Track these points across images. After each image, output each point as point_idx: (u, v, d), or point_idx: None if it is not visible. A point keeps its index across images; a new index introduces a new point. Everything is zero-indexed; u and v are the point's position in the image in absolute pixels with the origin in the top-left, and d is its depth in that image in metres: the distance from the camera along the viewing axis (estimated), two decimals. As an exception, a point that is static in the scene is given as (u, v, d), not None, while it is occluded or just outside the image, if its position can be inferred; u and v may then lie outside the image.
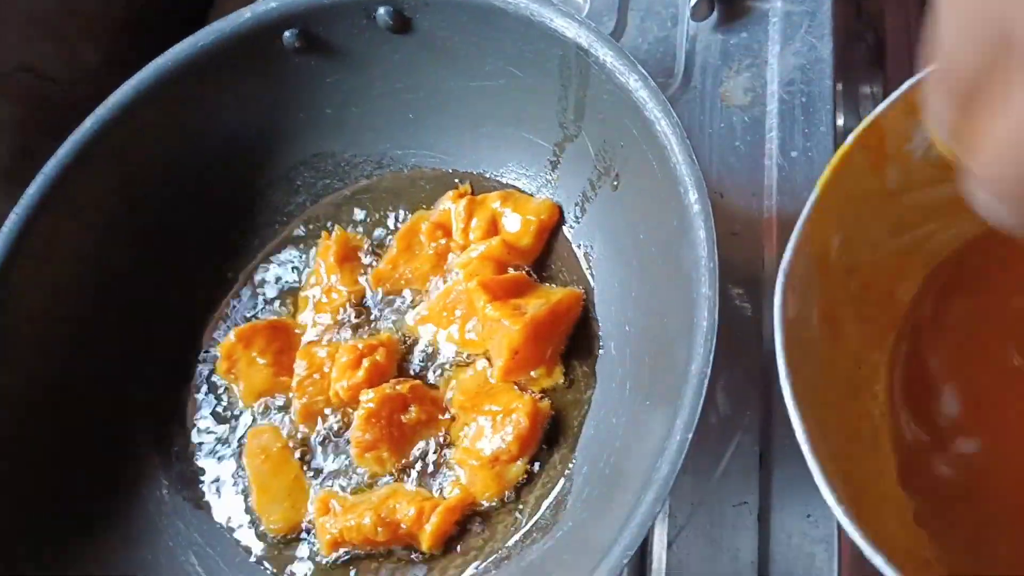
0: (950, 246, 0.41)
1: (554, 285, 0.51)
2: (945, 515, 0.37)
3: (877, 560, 0.29)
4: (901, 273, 0.41)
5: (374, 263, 0.54)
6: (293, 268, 0.56)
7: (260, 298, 0.55)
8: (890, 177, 0.38)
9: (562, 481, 0.46)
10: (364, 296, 0.54)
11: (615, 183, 0.48)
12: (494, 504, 0.46)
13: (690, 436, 0.37)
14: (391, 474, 0.48)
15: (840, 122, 0.57)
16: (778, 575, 0.47)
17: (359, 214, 0.56)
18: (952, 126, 0.24)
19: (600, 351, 0.48)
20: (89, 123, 0.52)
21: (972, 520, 0.37)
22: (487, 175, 0.54)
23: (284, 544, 0.48)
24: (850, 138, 0.36)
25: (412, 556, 0.47)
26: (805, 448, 0.31)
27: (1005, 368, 0.39)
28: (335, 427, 0.50)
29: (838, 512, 0.30)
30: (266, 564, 0.48)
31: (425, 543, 0.46)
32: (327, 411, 0.51)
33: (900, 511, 0.37)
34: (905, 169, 0.38)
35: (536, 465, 0.47)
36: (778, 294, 0.34)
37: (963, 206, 0.40)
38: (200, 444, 0.52)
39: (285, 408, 0.52)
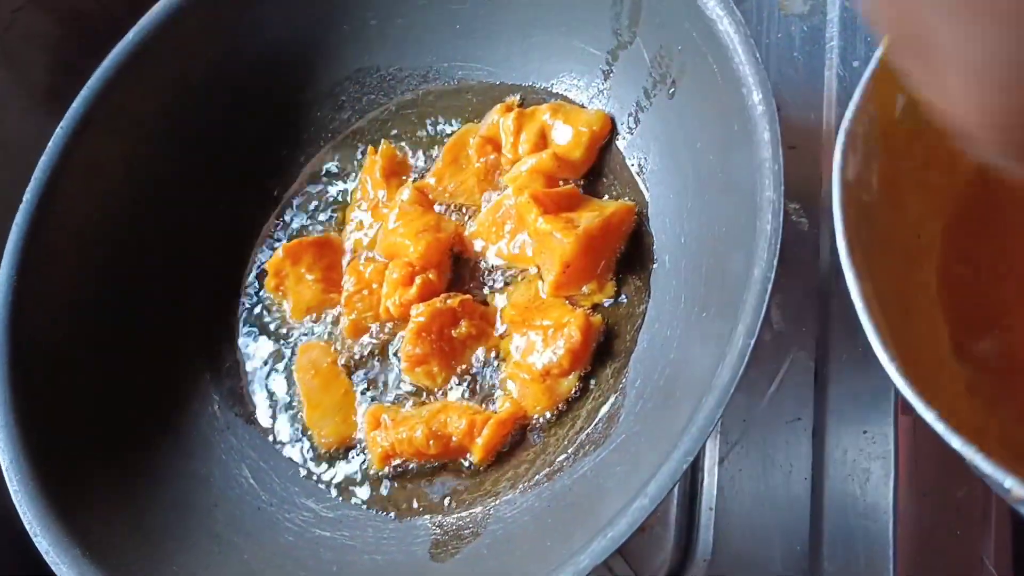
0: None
1: (608, 198, 0.49)
2: (997, 386, 0.36)
3: (929, 416, 0.28)
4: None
5: (421, 178, 0.53)
6: (340, 184, 0.55)
7: (307, 215, 0.55)
8: None
9: (614, 395, 0.45)
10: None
11: (671, 91, 0.47)
12: (546, 418, 0.46)
13: (752, 342, 0.36)
14: (441, 389, 0.48)
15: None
16: (833, 491, 0.47)
17: (405, 129, 0.55)
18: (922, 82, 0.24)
19: (654, 264, 0.47)
20: (132, 36, 0.51)
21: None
22: (537, 87, 0.53)
23: (335, 457, 0.49)
24: None
25: (464, 468, 0.46)
26: (861, 309, 0.30)
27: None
28: (385, 342, 0.50)
29: (891, 369, 0.29)
30: (318, 477, 0.48)
31: (476, 455, 0.46)
32: (376, 327, 0.50)
33: (954, 381, 0.36)
34: None
35: (588, 380, 0.46)
36: (838, 152, 0.33)
37: None
38: (250, 360, 0.52)
39: (334, 324, 0.51)
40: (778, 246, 0.37)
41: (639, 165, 0.49)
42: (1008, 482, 0.26)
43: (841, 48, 0.53)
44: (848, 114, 0.33)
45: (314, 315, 0.52)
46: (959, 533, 0.48)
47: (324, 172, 0.56)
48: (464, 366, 0.48)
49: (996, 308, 0.37)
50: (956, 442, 0.27)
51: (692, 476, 0.48)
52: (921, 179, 0.38)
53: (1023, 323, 0.36)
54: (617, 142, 0.50)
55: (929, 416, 0.28)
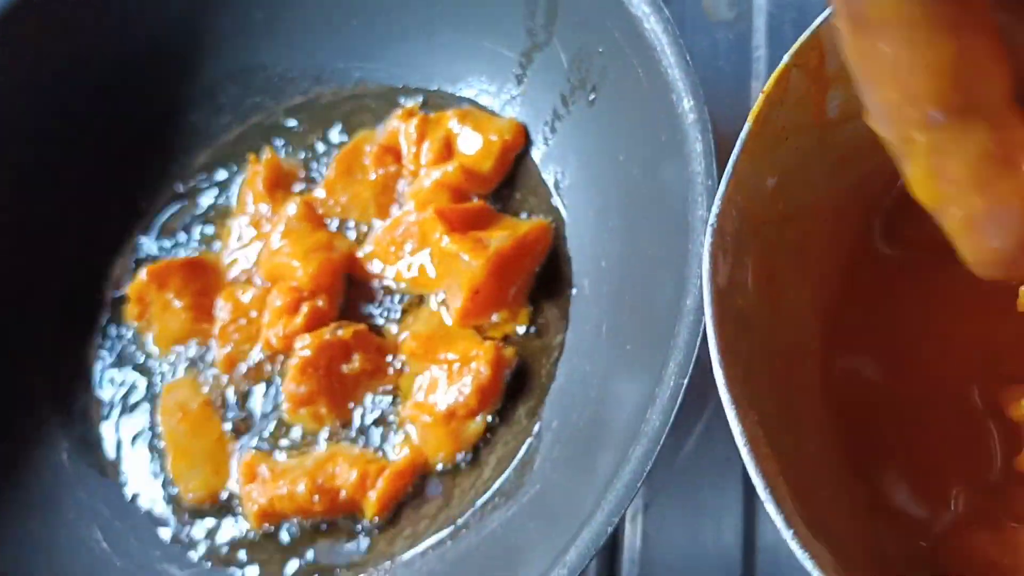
0: (894, 184, 0.37)
1: (521, 216, 0.45)
2: (898, 501, 0.33)
3: None
4: (843, 215, 0.36)
5: (309, 192, 0.48)
6: (216, 197, 0.50)
7: (177, 232, 0.49)
8: (831, 103, 0.33)
9: (528, 439, 0.41)
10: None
11: (591, 97, 0.43)
12: (449, 466, 0.41)
13: (685, 382, 0.32)
14: (330, 433, 0.43)
15: (835, 39, 0.52)
16: (766, 538, 0.43)
17: (293, 136, 0.50)
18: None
19: (572, 290, 0.43)
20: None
21: (926, 502, 0.33)
22: (443, 91, 0.49)
23: (205, 515, 0.43)
24: (785, 58, 0.31)
25: (355, 527, 0.41)
26: (745, 453, 0.27)
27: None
28: (264, 379, 0.45)
29: (787, 535, 0.26)
30: (184, 538, 0.43)
31: (369, 511, 0.41)
32: (254, 361, 0.45)
33: (855, 503, 0.33)
34: (848, 93, 0.33)
35: (498, 421, 0.42)
36: (706, 259, 0.29)
37: None
38: (106, 402, 0.46)
39: (205, 358, 0.46)
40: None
41: (556, 179, 0.45)
42: None
43: (768, 57, 0.51)
44: (713, 210, 0.30)
45: (183, 348, 0.46)
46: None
47: (199, 183, 0.50)
48: (357, 407, 0.43)
49: (885, 411, 0.34)
50: None
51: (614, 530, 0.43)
52: (798, 265, 0.34)
53: (918, 431, 0.33)
54: (532, 153, 0.46)
55: None
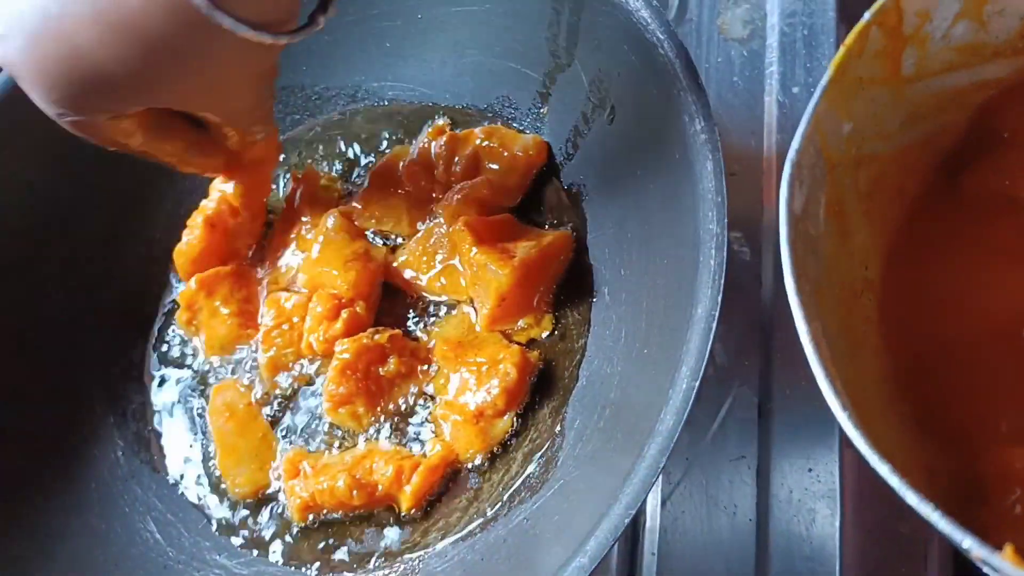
0: (960, 141, 0.39)
1: (545, 227, 0.47)
2: (945, 419, 0.35)
3: (882, 469, 0.26)
4: (910, 168, 0.38)
5: (347, 204, 0.50)
6: None
7: None
8: (906, 62, 0.36)
9: (552, 437, 0.43)
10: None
11: (610, 116, 0.45)
12: (479, 462, 0.43)
13: (696, 384, 0.34)
14: (367, 431, 0.45)
15: (845, 55, 0.54)
16: (778, 533, 0.45)
17: (331, 152, 0.52)
18: None
19: (593, 297, 0.45)
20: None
21: (972, 423, 0.35)
22: (471, 109, 0.50)
23: (251, 509, 0.45)
24: (867, 15, 0.34)
25: (391, 519, 0.43)
26: (809, 351, 0.29)
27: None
28: (305, 381, 0.47)
29: (842, 417, 0.27)
30: (232, 530, 0.45)
31: (405, 505, 0.43)
32: (296, 364, 0.47)
33: (903, 418, 0.35)
34: (922, 53, 0.35)
35: (524, 420, 0.44)
36: (785, 185, 0.31)
37: (976, 97, 0.37)
38: (159, 402, 0.48)
39: (252, 362, 0.48)
40: (722, 282, 0.35)
41: (578, 192, 0.47)
42: (966, 543, 0.24)
43: (781, 73, 0.53)
44: (794, 145, 0.32)
45: (230, 352, 0.48)
46: (903, 570, 0.47)
47: (243, 197, 0.52)
48: (392, 406, 0.45)
49: (940, 344, 0.36)
50: (913, 499, 0.26)
51: (634, 519, 0.45)
52: (867, 209, 0.36)
53: (969, 362, 0.35)
54: (555, 168, 0.48)
55: (883, 469, 0.26)
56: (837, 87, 0.33)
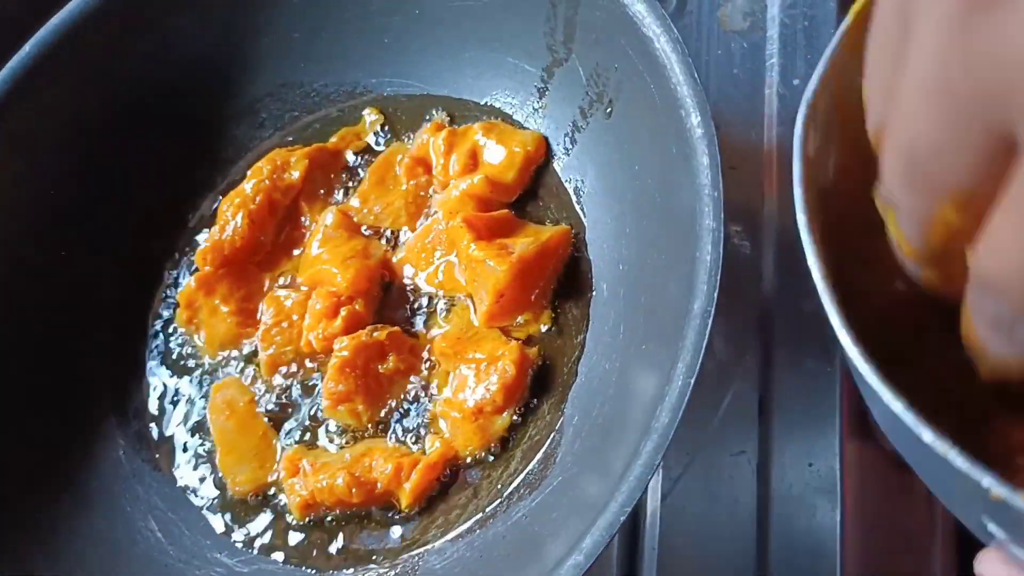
0: None
1: (544, 223, 0.47)
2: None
3: (895, 405, 0.25)
4: None
5: (345, 201, 0.50)
6: None
7: None
8: None
9: (551, 433, 0.43)
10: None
11: (608, 111, 0.44)
12: (478, 459, 0.43)
13: (692, 381, 0.34)
14: (366, 429, 0.45)
15: (847, 47, 0.53)
16: (779, 528, 0.45)
17: (328, 148, 0.52)
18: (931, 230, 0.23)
19: (592, 293, 0.45)
20: (29, 48, 0.47)
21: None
22: (469, 103, 0.50)
23: (252, 507, 0.45)
24: None
25: (390, 516, 0.43)
26: (821, 287, 0.28)
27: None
28: (305, 379, 0.47)
29: (853, 353, 0.27)
30: (233, 528, 0.45)
31: (404, 502, 0.43)
32: (295, 361, 0.47)
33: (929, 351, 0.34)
34: None
35: (523, 416, 0.44)
36: (799, 124, 0.31)
37: None
38: (159, 401, 0.48)
39: (251, 359, 0.48)
40: (718, 278, 0.35)
41: (576, 188, 0.47)
42: (986, 480, 0.23)
43: (781, 66, 0.52)
44: (810, 86, 0.31)
45: (229, 350, 0.48)
46: (907, 564, 0.47)
47: (242, 194, 0.52)
48: (391, 404, 0.45)
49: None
50: (928, 435, 0.24)
51: (634, 515, 0.45)
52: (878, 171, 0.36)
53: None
54: (553, 163, 0.48)
55: (898, 406, 0.25)
56: (856, 35, 0.32)
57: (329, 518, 0.44)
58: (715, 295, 0.34)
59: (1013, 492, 0.22)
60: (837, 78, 0.32)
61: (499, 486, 0.42)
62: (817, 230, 0.30)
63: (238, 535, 0.44)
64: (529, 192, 0.48)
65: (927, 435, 0.24)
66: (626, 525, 0.45)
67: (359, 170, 0.51)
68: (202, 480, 0.46)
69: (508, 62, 0.48)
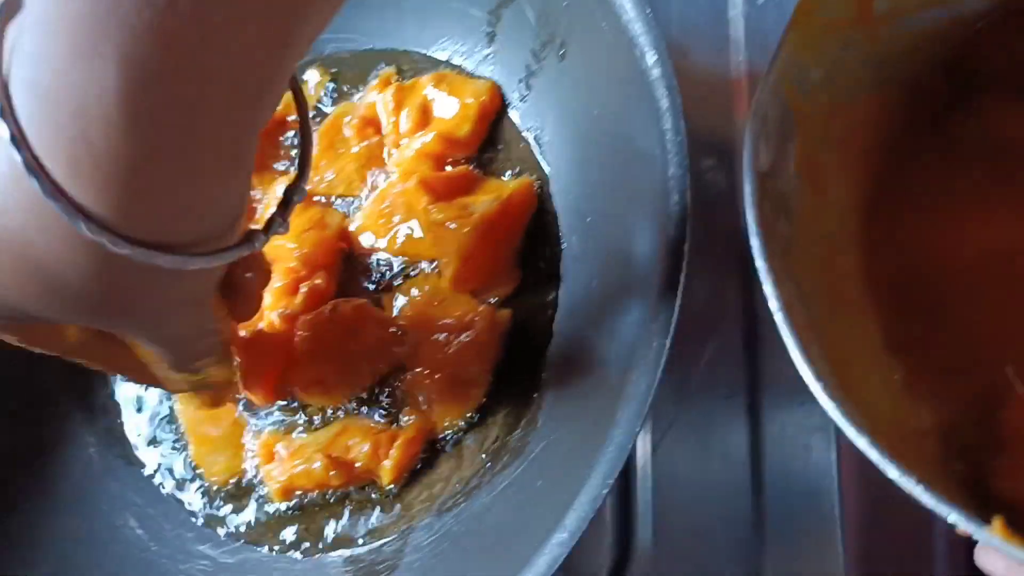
0: (942, 81, 0.36)
1: (505, 176, 0.45)
2: (938, 382, 0.34)
3: (860, 441, 0.25)
4: (888, 114, 0.36)
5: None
6: None
7: None
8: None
9: (530, 398, 0.41)
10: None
11: (561, 52, 0.42)
12: (457, 429, 0.42)
13: (667, 342, 0.32)
14: (340, 407, 0.43)
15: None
16: (774, 470, 0.44)
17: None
18: None
19: (562, 247, 0.43)
20: None
21: (966, 385, 0.34)
22: (416, 55, 0.47)
23: (231, 496, 0.44)
24: None
25: (372, 495, 0.42)
26: (779, 318, 0.27)
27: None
28: (273, 361, 0.45)
29: (816, 388, 0.26)
30: (214, 519, 0.44)
31: (386, 479, 0.41)
32: (261, 344, 0.45)
33: (888, 380, 0.33)
34: None
35: (499, 383, 0.42)
36: (748, 143, 0.29)
37: (955, 34, 0.35)
38: (126, 395, 0.47)
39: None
40: (688, 229, 0.33)
41: (536, 136, 0.45)
42: (952, 517, 0.23)
43: (744, -14, 0.49)
44: (757, 96, 0.29)
45: (191, 337, 0.46)
46: (907, 501, 0.46)
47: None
48: (363, 380, 0.43)
49: (930, 297, 0.34)
50: (894, 472, 0.24)
51: (625, 470, 0.44)
52: (843, 161, 0.34)
53: (962, 312, 0.33)
54: (510, 112, 0.45)
55: (861, 443, 0.25)
56: (802, 31, 0.30)
57: (311, 501, 0.43)
58: (685, 248, 0.33)
59: (979, 528, 0.22)
60: (786, 79, 0.30)
61: (481, 456, 0.41)
62: (778, 251, 0.29)
63: (220, 526, 0.44)
64: (487, 144, 0.46)
65: (893, 472, 0.24)
66: (618, 483, 0.44)
67: (308, 135, 0.48)
68: (178, 473, 0.45)
69: (452, 7, 0.45)
